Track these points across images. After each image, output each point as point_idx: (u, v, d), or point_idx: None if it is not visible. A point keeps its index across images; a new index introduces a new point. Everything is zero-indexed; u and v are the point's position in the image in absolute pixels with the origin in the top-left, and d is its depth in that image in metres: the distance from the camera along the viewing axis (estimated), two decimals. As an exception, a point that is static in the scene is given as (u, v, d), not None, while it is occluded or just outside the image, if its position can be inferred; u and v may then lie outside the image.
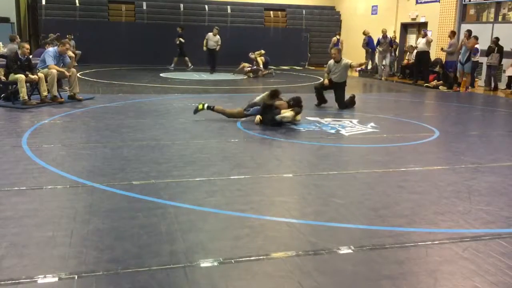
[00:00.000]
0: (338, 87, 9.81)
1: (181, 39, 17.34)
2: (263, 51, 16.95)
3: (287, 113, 7.52)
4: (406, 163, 5.62)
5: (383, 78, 16.54)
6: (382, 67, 16.85)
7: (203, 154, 5.75)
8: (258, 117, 7.47)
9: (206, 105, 7.93)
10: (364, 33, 17.73)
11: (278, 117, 7.38)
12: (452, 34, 14.43)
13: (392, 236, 3.54)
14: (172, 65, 17.57)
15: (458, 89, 13.72)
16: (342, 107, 9.62)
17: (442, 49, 14.61)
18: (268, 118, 7.45)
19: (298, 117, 7.82)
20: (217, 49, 16.39)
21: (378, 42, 16.84)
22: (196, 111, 7.92)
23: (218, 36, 16.35)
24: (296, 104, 7.78)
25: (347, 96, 10.06)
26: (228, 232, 3.52)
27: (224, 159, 5.57)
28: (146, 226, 3.57)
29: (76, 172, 4.86)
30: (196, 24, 19.87)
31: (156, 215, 3.78)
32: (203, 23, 19.90)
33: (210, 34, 16.39)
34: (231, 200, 4.19)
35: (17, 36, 9.67)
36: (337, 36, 20.05)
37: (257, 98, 8.03)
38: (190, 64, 17.59)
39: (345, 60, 9.78)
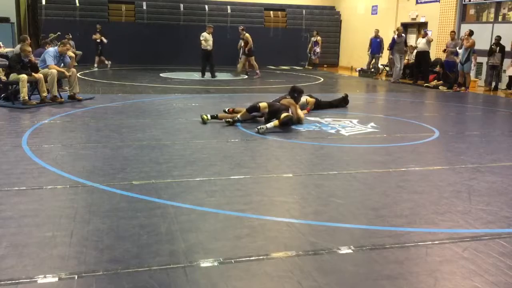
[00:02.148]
0: None
1: (103, 38, 16.69)
2: (247, 34, 15.16)
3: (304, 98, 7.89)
4: (406, 163, 5.62)
5: (398, 80, 15.79)
6: (398, 68, 15.74)
7: (203, 154, 5.74)
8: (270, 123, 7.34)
9: (209, 115, 7.67)
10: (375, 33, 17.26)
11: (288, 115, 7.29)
12: (453, 33, 14.42)
13: (392, 236, 3.54)
14: (95, 65, 17.04)
15: (458, 89, 13.72)
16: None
17: (444, 50, 14.52)
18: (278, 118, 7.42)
19: (302, 115, 7.83)
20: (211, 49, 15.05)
21: (394, 42, 15.65)
22: (204, 122, 7.58)
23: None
24: (298, 93, 7.89)
25: (339, 95, 10.20)
26: (228, 232, 3.52)
27: (224, 159, 5.56)
28: (146, 226, 3.57)
29: (76, 172, 4.86)
30: (196, 24, 19.88)
31: (156, 215, 3.78)
32: (203, 23, 19.90)
33: (206, 33, 14.85)
34: (231, 200, 4.19)
35: (27, 37, 9.80)
36: (318, 37, 20.30)
37: (281, 101, 7.81)
38: (107, 63, 17.19)
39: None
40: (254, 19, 21.41)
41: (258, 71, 15.66)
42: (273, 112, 7.46)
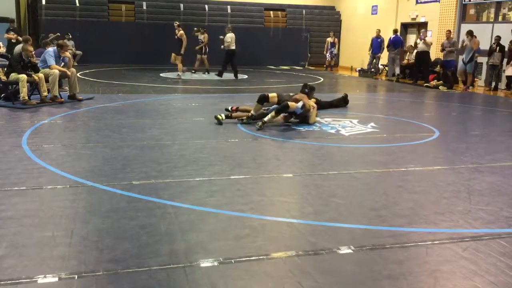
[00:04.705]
0: None
1: (19, 37, 13.88)
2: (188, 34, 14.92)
3: (311, 102, 7.86)
4: (406, 163, 5.62)
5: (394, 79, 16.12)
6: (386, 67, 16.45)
7: (203, 154, 5.75)
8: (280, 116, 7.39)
9: (223, 115, 7.61)
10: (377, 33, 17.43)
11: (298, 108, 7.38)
12: (449, 32, 14.43)
13: (392, 236, 3.54)
14: None
15: (461, 88, 13.71)
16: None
17: (442, 50, 14.50)
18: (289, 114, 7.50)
19: (313, 118, 7.81)
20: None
21: (402, 41, 16.15)
22: (220, 123, 7.48)
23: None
24: (310, 89, 8.04)
25: (339, 95, 10.29)
26: (228, 232, 3.52)
27: (224, 159, 5.56)
28: (146, 226, 3.57)
29: (76, 172, 4.86)
30: (196, 24, 19.84)
31: (156, 215, 3.78)
32: (203, 23, 19.89)
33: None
34: (231, 200, 4.19)
35: (30, 38, 9.87)
36: (334, 38, 20.18)
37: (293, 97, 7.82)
38: None
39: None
40: (254, 19, 21.41)
41: (180, 73, 14.94)
42: (284, 107, 7.40)
